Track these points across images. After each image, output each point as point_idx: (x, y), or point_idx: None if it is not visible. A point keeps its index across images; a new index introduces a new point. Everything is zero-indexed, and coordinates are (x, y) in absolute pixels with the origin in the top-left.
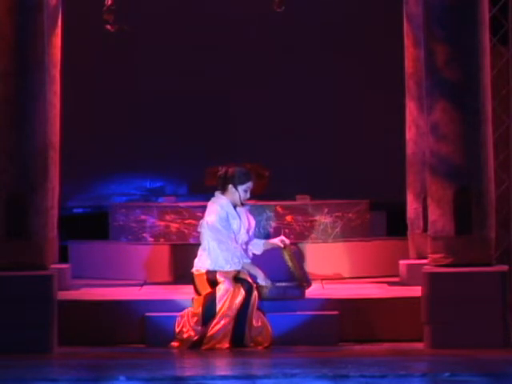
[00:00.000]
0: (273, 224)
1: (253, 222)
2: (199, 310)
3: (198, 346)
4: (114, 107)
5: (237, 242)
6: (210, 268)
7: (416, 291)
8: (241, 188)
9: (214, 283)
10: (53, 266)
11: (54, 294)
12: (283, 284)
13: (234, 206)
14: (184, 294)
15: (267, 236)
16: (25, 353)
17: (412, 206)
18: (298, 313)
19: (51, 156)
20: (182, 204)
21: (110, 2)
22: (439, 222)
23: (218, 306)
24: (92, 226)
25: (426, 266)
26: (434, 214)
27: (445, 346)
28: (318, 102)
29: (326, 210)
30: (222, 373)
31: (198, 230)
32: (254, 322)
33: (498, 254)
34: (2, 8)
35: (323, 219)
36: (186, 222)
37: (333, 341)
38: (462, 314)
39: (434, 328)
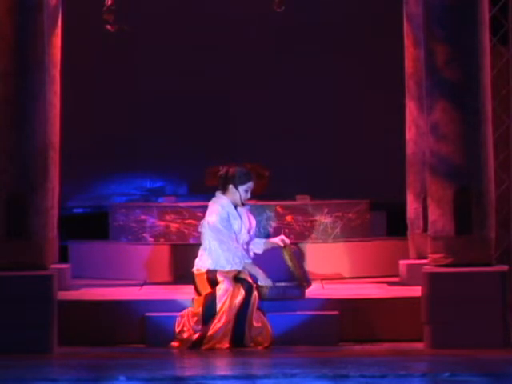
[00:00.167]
0: (273, 224)
1: (253, 222)
2: (199, 309)
3: (198, 346)
4: (114, 107)
5: (238, 242)
6: (211, 268)
7: (416, 291)
8: (241, 188)
9: (214, 283)
10: (53, 266)
11: (54, 294)
12: (283, 284)
13: (235, 206)
14: (184, 294)
15: (267, 236)
16: (25, 353)
17: (412, 206)
18: (298, 313)
19: (51, 156)
20: (182, 204)
21: (109, 2)
22: (439, 222)
23: (218, 306)
24: (92, 225)
25: (425, 266)
26: (433, 214)
27: (445, 346)
28: (318, 102)
29: (326, 210)
30: (222, 373)
31: (199, 230)
32: (254, 322)
33: (498, 254)
34: (2, 8)
35: (323, 219)
36: (186, 221)
37: (333, 341)
38: (462, 314)
39: (434, 328)
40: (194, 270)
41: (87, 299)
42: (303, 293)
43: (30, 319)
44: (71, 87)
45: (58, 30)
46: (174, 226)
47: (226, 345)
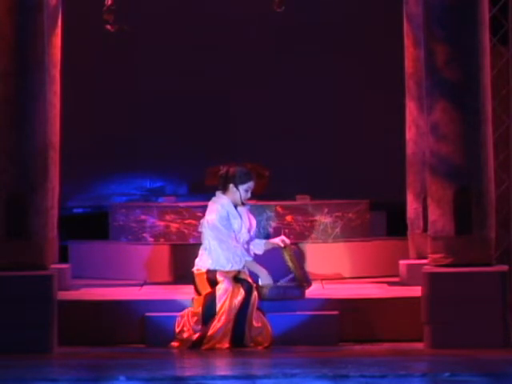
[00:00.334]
0: (273, 224)
1: (254, 222)
2: (199, 309)
3: (198, 345)
4: (114, 107)
5: (237, 241)
6: (211, 267)
7: (416, 291)
8: (242, 187)
9: (213, 283)
10: (53, 266)
11: (54, 294)
12: (283, 284)
13: (235, 206)
14: (184, 294)
15: (267, 236)
16: (25, 353)
17: (412, 206)
18: (298, 313)
19: (51, 156)
20: (181, 204)
21: (109, 2)
22: (439, 222)
23: (218, 306)
24: (92, 225)
25: (425, 266)
26: (433, 213)
27: (445, 346)
28: (318, 102)
29: (326, 210)
30: (222, 373)
31: (199, 229)
32: (254, 322)
33: (498, 254)
34: (2, 8)
35: (323, 219)
36: (186, 221)
37: (333, 341)
38: (462, 313)
39: (434, 328)
40: (194, 269)
41: (87, 299)
42: (303, 293)
43: (30, 319)
44: (71, 87)
45: (58, 30)
46: (174, 226)
47: (226, 345)
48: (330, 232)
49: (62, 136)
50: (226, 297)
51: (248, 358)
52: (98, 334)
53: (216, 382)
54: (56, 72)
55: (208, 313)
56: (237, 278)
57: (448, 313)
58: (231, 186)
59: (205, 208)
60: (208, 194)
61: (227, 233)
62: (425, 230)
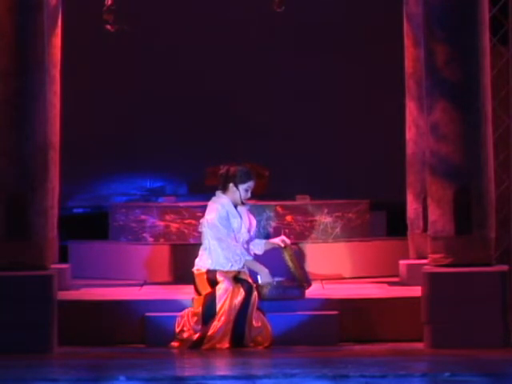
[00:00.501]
0: (273, 224)
1: (254, 222)
2: (199, 309)
3: (198, 345)
4: (114, 107)
5: (237, 241)
6: (211, 267)
7: (416, 291)
8: (242, 187)
9: (213, 283)
10: (53, 266)
11: (54, 294)
12: (283, 284)
13: (235, 206)
14: (184, 294)
15: (267, 236)
16: (25, 353)
17: (412, 206)
18: (298, 313)
19: (51, 156)
20: (181, 204)
21: (109, 2)
22: (439, 221)
23: (218, 306)
24: (92, 225)
25: (425, 266)
26: (433, 213)
27: (445, 346)
28: (318, 102)
29: (325, 210)
30: (222, 373)
31: (199, 229)
32: (254, 322)
33: (498, 254)
34: (2, 8)
35: (323, 219)
36: (186, 221)
37: (333, 341)
38: (462, 314)
39: (434, 328)
40: (194, 269)
41: (87, 299)
42: (303, 293)
43: (30, 319)
44: (71, 87)
45: (58, 30)
46: (174, 226)
47: (226, 345)
48: (330, 232)
49: (61, 136)
50: (226, 297)
51: (248, 358)
52: (98, 334)
53: (216, 382)
54: (56, 72)
55: (208, 313)
56: (237, 278)
57: (448, 313)
58: (231, 185)
59: (205, 208)
60: (208, 194)
61: (226, 232)
62: (425, 230)
